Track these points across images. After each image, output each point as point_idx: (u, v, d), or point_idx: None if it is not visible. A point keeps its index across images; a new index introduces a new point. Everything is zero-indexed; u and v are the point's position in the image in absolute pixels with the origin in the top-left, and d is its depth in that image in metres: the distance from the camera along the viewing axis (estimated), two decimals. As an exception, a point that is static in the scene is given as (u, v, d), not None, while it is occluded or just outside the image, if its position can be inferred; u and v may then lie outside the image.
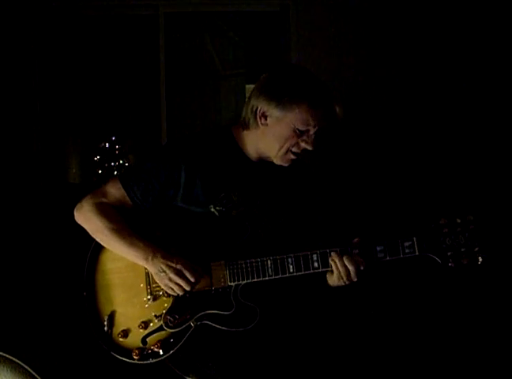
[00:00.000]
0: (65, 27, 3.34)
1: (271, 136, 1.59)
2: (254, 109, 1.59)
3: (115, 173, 3.82)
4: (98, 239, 1.62)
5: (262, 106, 1.58)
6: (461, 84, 3.12)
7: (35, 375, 1.47)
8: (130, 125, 3.78)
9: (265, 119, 1.59)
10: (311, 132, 1.57)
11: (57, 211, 2.88)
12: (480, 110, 3.12)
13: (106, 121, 3.71)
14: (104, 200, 1.62)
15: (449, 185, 3.04)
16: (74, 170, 3.77)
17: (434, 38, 3.14)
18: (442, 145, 3.11)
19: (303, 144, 1.58)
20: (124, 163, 3.89)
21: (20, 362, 1.48)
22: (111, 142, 3.84)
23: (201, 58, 3.79)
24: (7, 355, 1.48)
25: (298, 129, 1.56)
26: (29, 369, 1.47)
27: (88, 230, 1.63)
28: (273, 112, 1.56)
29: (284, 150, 1.59)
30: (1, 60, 3.00)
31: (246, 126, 1.65)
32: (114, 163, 3.87)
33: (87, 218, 1.61)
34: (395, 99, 3.14)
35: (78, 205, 1.64)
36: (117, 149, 3.87)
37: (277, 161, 1.63)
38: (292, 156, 1.61)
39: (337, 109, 1.58)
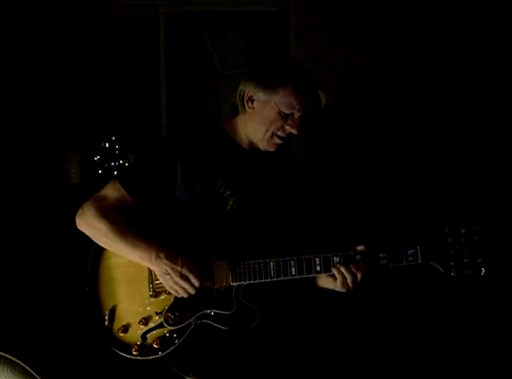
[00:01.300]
0: (65, 27, 3.34)
1: (257, 119, 1.63)
2: (242, 94, 1.65)
3: (115, 173, 3.81)
4: (101, 243, 1.63)
5: (249, 90, 1.63)
6: (466, 86, 3.10)
7: (35, 375, 1.47)
8: (130, 125, 3.77)
9: (252, 103, 1.64)
10: (296, 116, 1.61)
11: (58, 210, 2.87)
12: (490, 118, 3.11)
13: (106, 121, 3.71)
14: (105, 203, 1.63)
15: (455, 194, 3.03)
16: (74, 170, 3.76)
17: (434, 37, 3.14)
18: (449, 154, 3.10)
19: (288, 128, 1.62)
20: (124, 163, 3.89)
21: (20, 362, 1.47)
22: (111, 142, 3.84)
23: (201, 58, 3.79)
24: (7, 355, 1.47)
25: (283, 112, 1.59)
26: (29, 369, 1.47)
27: (91, 236, 1.63)
28: (259, 95, 1.61)
29: (269, 133, 1.63)
30: (1, 60, 3.00)
31: (235, 113, 1.70)
32: (114, 163, 3.86)
33: (89, 223, 1.62)
34: (395, 99, 3.13)
35: (80, 211, 1.64)
36: (117, 149, 3.86)
37: (263, 145, 1.66)
38: (278, 141, 1.64)
39: (321, 96, 1.62)
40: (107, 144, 3.83)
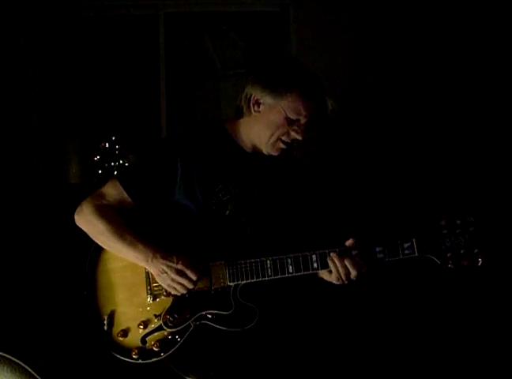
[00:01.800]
0: (65, 27, 3.34)
1: (263, 123, 1.62)
2: (248, 96, 1.63)
3: (115, 173, 3.81)
4: (99, 242, 1.63)
5: (256, 93, 1.62)
6: (461, 84, 3.12)
7: (35, 375, 1.47)
8: (130, 125, 3.77)
9: (258, 106, 1.63)
10: (302, 122, 1.60)
11: (57, 211, 2.88)
12: (482, 110, 3.12)
13: (106, 121, 3.71)
14: (104, 201, 1.63)
15: (450, 186, 3.04)
16: (74, 170, 3.76)
17: (434, 37, 3.14)
18: (442, 145, 3.11)
19: (293, 134, 1.62)
20: (124, 163, 3.88)
21: (20, 362, 1.48)
22: (111, 142, 3.83)
23: (201, 58, 3.79)
24: (7, 355, 1.48)
25: (289, 118, 1.59)
26: (29, 369, 1.47)
27: (89, 234, 1.63)
28: (266, 99, 1.60)
29: (274, 138, 1.62)
30: (0, 60, 3.00)
31: (239, 115, 1.69)
32: (114, 163, 3.86)
33: (87, 221, 1.62)
34: (395, 98, 3.14)
35: (78, 209, 1.64)
36: (117, 149, 3.86)
37: (267, 149, 1.65)
38: (282, 145, 1.64)
39: (328, 103, 1.61)
40: (107, 144, 3.83)
